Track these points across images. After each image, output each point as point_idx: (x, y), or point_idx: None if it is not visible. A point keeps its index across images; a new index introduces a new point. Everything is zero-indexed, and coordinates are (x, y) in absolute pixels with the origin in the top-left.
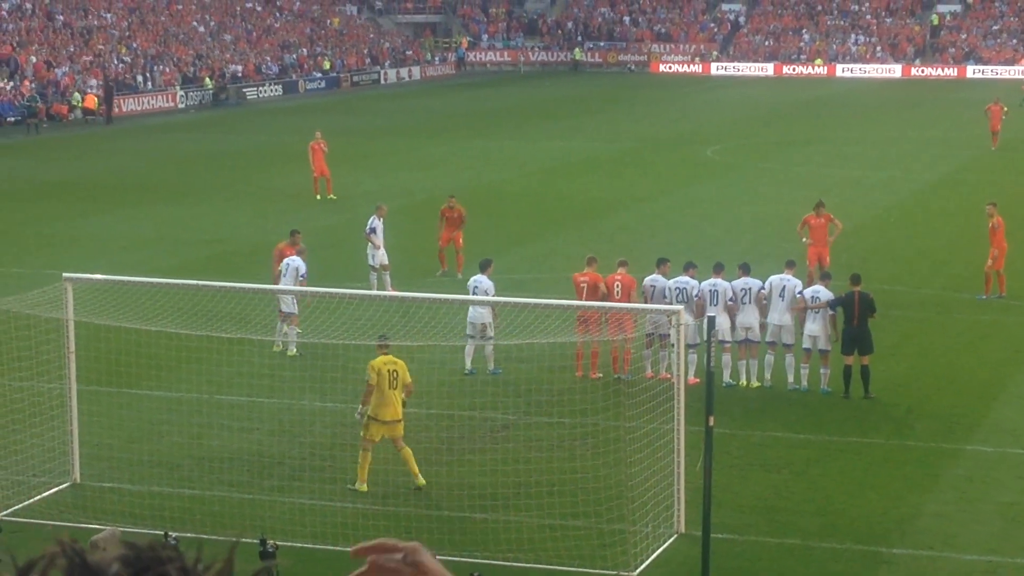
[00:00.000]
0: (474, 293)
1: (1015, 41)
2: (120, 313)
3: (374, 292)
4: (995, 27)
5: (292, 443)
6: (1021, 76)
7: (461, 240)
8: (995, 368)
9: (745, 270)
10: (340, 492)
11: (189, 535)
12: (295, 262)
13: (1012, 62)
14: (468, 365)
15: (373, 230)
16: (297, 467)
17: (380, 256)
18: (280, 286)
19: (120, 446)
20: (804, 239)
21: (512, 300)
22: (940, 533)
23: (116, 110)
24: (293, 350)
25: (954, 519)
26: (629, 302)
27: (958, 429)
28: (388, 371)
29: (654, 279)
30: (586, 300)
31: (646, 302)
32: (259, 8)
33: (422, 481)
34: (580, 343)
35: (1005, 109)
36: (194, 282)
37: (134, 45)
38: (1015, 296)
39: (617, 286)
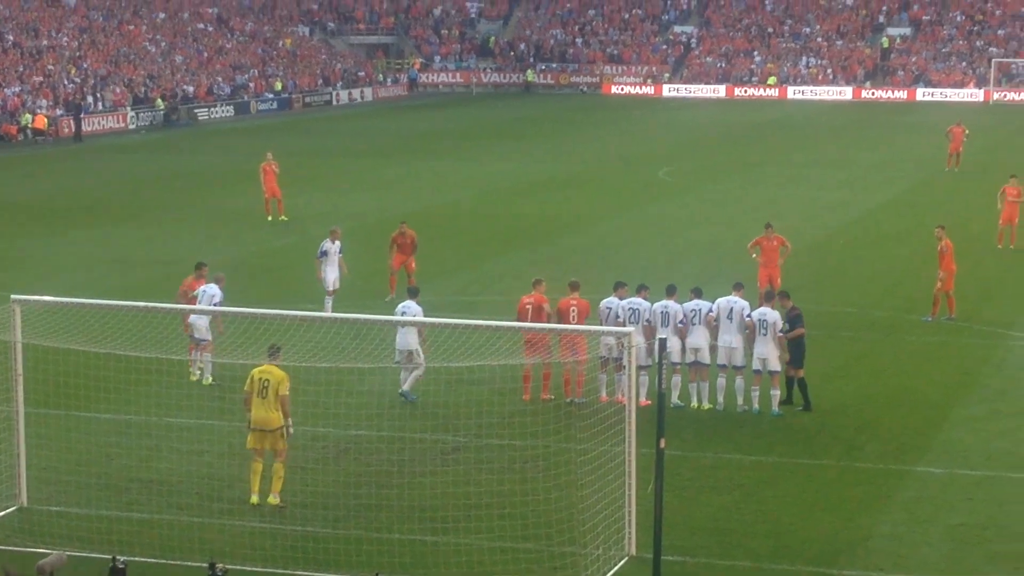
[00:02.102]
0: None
1: (964, 64)
2: (69, 335)
3: (313, 314)
4: (944, 50)
5: (242, 466)
6: (970, 99)
7: (413, 265)
8: (944, 390)
9: (697, 293)
10: (291, 515)
11: (138, 559)
12: (211, 289)
13: (961, 85)
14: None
15: (324, 253)
16: (247, 489)
17: (329, 281)
18: (198, 315)
19: (68, 469)
20: (754, 255)
21: (461, 322)
22: (891, 554)
23: (67, 131)
24: (208, 378)
25: (904, 540)
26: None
27: (908, 450)
28: (260, 379)
29: (609, 302)
30: (531, 322)
31: (602, 324)
32: (211, 29)
33: (276, 500)
34: (528, 366)
35: (966, 131)
36: (144, 304)
37: (84, 66)
38: (964, 318)
39: (573, 311)
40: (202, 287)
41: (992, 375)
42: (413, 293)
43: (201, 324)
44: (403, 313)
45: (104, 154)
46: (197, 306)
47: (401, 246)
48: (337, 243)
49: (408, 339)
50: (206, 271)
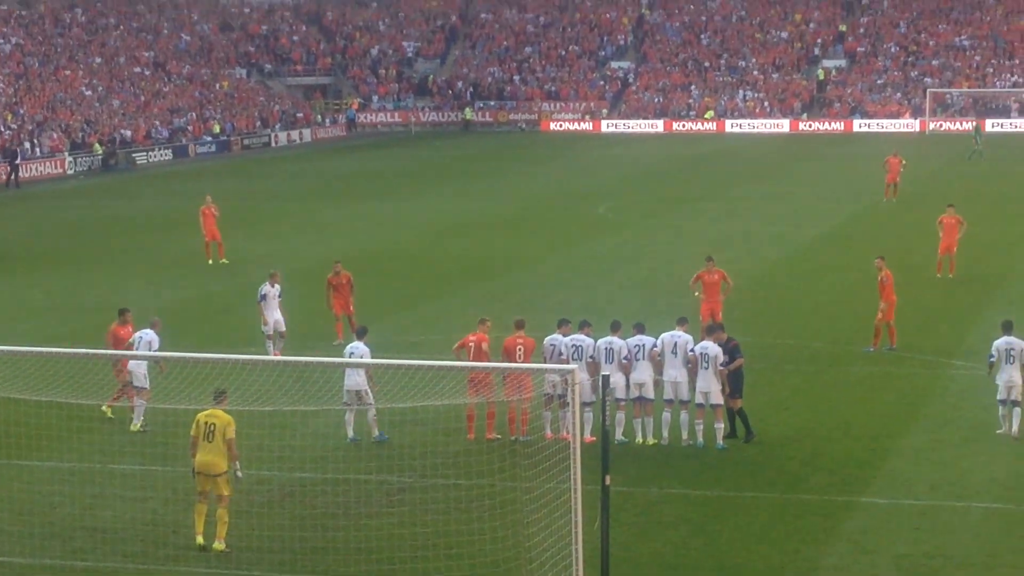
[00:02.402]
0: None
1: (899, 95)
2: (9, 384)
3: (259, 357)
4: (879, 81)
5: (186, 511)
6: (906, 129)
7: (352, 307)
8: (887, 420)
9: (639, 329)
10: (236, 559)
11: None
12: (147, 335)
13: (897, 115)
14: (350, 433)
15: (263, 296)
16: (192, 535)
17: (271, 324)
18: (136, 362)
19: (10, 519)
20: (697, 293)
21: (405, 362)
22: None
23: (3, 177)
24: (137, 424)
25: (850, 572)
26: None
27: (853, 482)
28: (206, 424)
29: (553, 339)
30: (474, 361)
31: (546, 362)
32: (148, 73)
33: (221, 546)
34: (471, 405)
35: (903, 161)
36: (84, 351)
37: (21, 111)
38: (906, 348)
39: (519, 349)
40: (138, 333)
41: (935, 404)
42: (361, 334)
43: (139, 371)
44: (352, 354)
45: (42, 200)
46: (140, 352)
47: (337, 287)
48: (277, 287)
49: (357, 379)
50: (130, 316)
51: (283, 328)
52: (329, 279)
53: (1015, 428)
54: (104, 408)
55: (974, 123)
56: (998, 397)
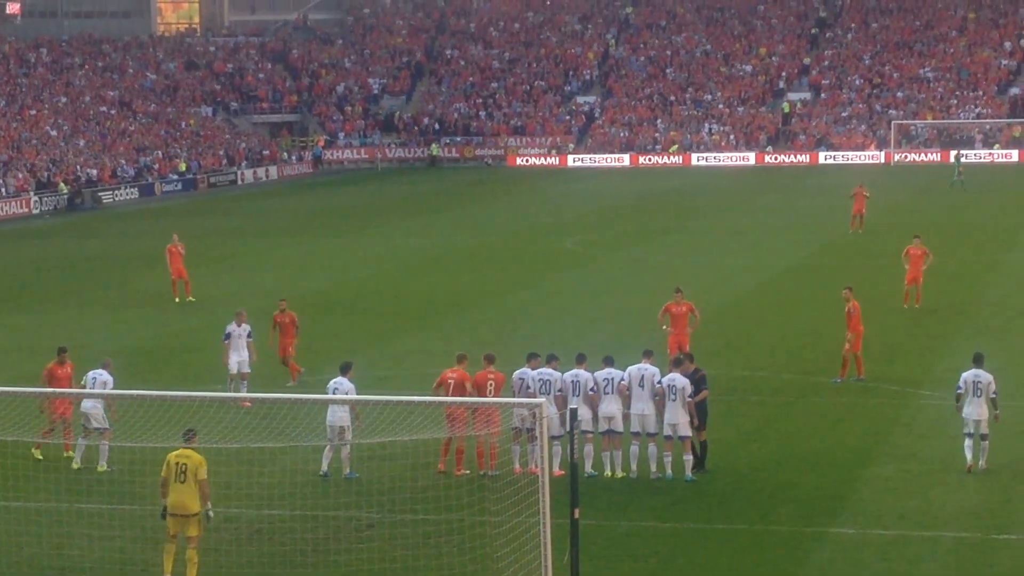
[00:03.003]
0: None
1: (864, 127)
2: (21, 419)
3: (227, 395)
4: (844, 113)
5: (155, 550)
6: (871, 160)
7: (292, 349)
8: (855, 451)
9: (608, 362)
10: None
11: None
12: (102, 376)
13: (862, 148)
14: (324, 467)
15: (228, 336)
16: (159, 574)
17: (234, 364)
18: (93, 403)
19: None
20: (665, 327)
21: (375, 398)
22: None
23: None
24: (103, 465)
25: None
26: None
27: (821, 512)
28: (176, 464)
29: (522, 373)
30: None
31: (515, 396)
32: (113, 112)
33: None
34: (446, 439)
35: (867, 193)
36: (49, 390)
37: None
38: (873, 379)
39: (490, 384)
40: (91, 374)
41: (902, 434)
42: (345, 369)
43: (97, 412)
44: (335, 390)
45: (7, 240)
46: (103, 391)
47: (282, 326)
48: (245, 326)
49: (341, 415)
50: (66, 356)
51: (247, 369)
52: (275, 316)
53: (982, 462)
54: (34, 451)
55: (955, 153)
56: (964, 430)
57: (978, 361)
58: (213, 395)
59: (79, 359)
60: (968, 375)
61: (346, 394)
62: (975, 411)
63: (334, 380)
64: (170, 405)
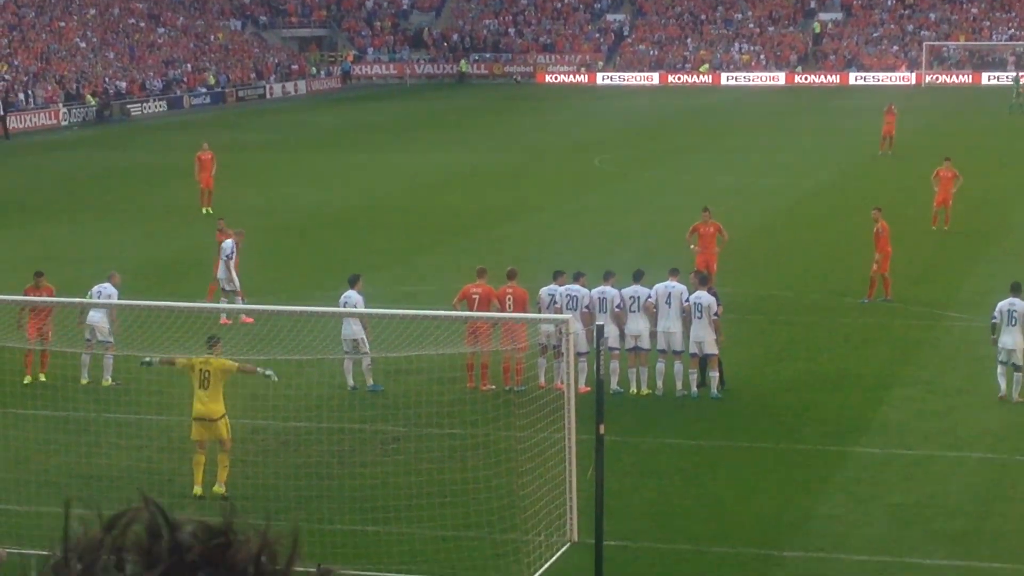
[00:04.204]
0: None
1: (896, 48)
2: (4, 333)
3: (251, 307)
4: (876, 34)
5: (182, 460)
6: (902, 82)
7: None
8: (881, 371)
9: (637, 278)
10: (231, 507)
11: None
12: (107, 289)
13: (893, 68)
14: (350, 381)
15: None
16: (188, 484)
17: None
18: (99, 317)
19: (6, 466)
20: (692, 246)
21: (401, 312)
22: (831, 535)
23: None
24: (108, 379)
25: (844, 520)
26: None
27: (846, 432)
28: (200, 370)
29: (550, 289)
30: (478, 312)
31: (541, 312)
32: (142, 24)
33: (221, 489)
34: (470, 354)
35: (895, 111)
36: (78, 300)
37: (15, 63)
38: (900, 300)
39: (508, 300)
40: (96, 287)
41: (928, 356)
42: (353, 282)
43: (103, 326)
44: (345, 303)
45: (36, 151)
46: (118, 302)
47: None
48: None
49: (353, 328)
50: (43, 280)
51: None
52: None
53: (1015, 394)
54: (28, 379)
55: (1016, 74)
56: (999, 359)
57: (1016, 290)
58: (238, 307)
59: (107, 271)
60: (1003, 304)
61: (355, 307)
62: (1010, 340)
63: (344, 294)
64: (197, 316)
